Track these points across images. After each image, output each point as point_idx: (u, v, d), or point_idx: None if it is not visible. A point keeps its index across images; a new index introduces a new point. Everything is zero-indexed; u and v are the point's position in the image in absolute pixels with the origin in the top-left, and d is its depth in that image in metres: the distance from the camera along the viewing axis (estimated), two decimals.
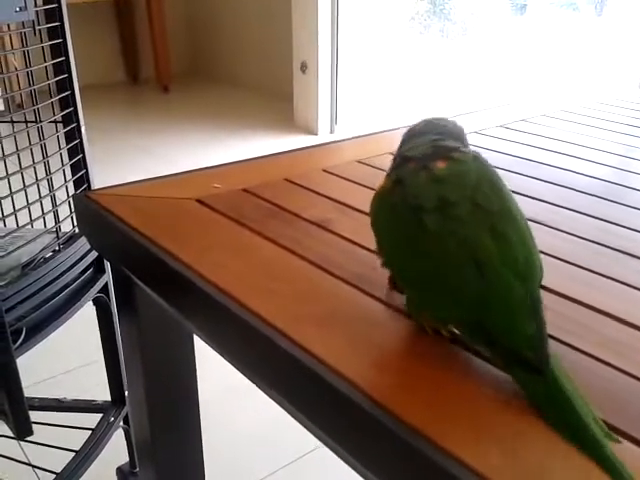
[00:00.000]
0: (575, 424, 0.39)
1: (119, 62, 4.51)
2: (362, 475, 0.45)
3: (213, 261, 0.59)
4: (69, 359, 1.63)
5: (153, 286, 0.66)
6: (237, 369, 0.56)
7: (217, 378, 1.35)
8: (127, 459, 1.27)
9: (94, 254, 1.06)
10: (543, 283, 0.48)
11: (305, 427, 0.49)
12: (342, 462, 0.46)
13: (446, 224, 0.45)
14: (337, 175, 0.83)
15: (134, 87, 4.52)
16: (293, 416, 0.50)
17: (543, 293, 0.46)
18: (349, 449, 0.44)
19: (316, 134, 3.46)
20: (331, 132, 3.51)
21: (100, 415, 1.20)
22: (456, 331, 0.48)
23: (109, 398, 1.21)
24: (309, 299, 0.54)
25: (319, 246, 0.63)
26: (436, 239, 0.45)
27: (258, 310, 0.51)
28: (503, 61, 4.30)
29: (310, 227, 0.67)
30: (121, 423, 1.22)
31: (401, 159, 0.51)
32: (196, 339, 0.64)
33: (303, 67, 3.46)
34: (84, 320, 1.13)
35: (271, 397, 0.52)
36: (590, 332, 0.51)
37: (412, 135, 0.53)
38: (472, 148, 0.51)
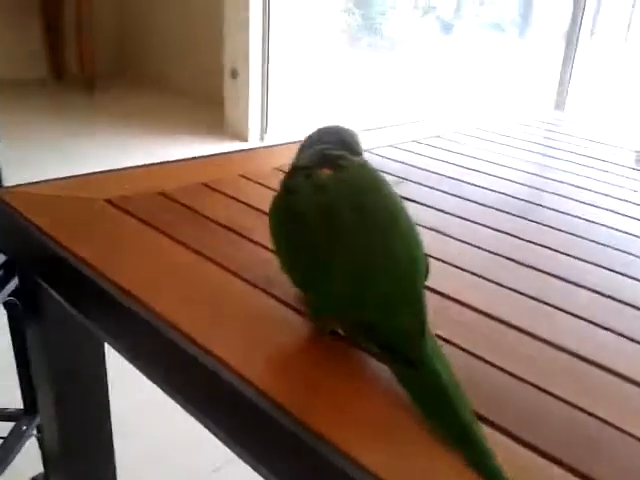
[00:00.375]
0: (449, 417, 0.42)
1: (42, 57, 4.31)
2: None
3: (120, 263, 0.59)
4: None
5: (59, 289, 0.66)
6: (143, 374, 0.56)
7: (134, 392, 1.33)
8: (42, 469, 1.23)
9: (3, 256, 1.03)
10: (439, 288, 0.50)
11: (216, 436, 0.49)
12: (257, 475, 0.47)
13: (327, 230, 0.48)
14: (254, 181, 0.84)
15: (57, 85, 4.37)
16: (203, 424, 0.50)
17: (435, 296, 0.49)
18: (249, 452, 0.45)
19: (246, 141, 3.46)
20: (261, 139, 3.52)
21: (12, 424, 1.16)
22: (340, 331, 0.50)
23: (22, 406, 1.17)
24: (216, 302, 0.55)
25: (231, 250, 0.64)
26: (316, 244, 0.48)
27: (163, 313, 0.52)
28: (427, 77, 4.43)
29: (223, 232, 0.68)
30: (34, 432, 1.18)
31: (292, 168, 0.52)
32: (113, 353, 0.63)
33: (234, 73, 3.46)
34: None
35: (177, 402, 0.52)
36: (473, 333, 0.54)
37: (306, 144, 0.55)
38: (364, 156, 0.53)
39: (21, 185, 0.75)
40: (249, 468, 0.46)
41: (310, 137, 0.56)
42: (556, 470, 0.40)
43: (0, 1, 3.73)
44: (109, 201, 0.73)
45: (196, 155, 0.93)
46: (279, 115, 3.54)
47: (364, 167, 0.51)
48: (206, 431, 0.49)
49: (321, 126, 0.56)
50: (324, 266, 0.47)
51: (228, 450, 0.47)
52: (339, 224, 0.47)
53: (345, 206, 0.48)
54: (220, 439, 0.48)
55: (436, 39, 4.80)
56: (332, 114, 3.70)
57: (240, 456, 0.46)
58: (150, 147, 3.23)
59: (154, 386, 0.54)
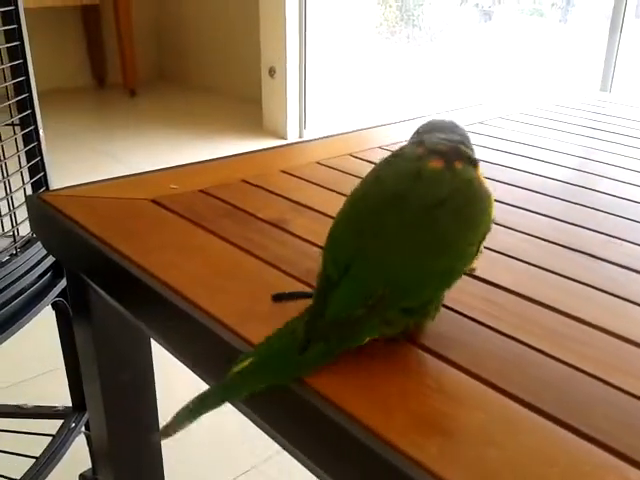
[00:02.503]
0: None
1: (86, 66, 4.46)
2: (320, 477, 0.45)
3: (165, 261, 0.59)
4: (32, 366, 1.61)
5: (106, 288, 0.66)
6: (190, 369, 0.56)
7: (182, 388, 1.35)
8: (90, 465, 1.26)
9: (52, 258, 1.05)
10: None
11: (263, 430, 0.49)
12: (300, 467, 0.46)
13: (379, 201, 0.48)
14: (295, 176, 0.84)
15: (100, 91, 4.48)
16: (249, 417, 0.50)
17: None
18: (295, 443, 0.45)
19: (285, 138, 3.47)
20: (300, 136, 3.52)
21: (61, 421, 1.18)
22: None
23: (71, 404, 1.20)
24: (260, 297, 0.54)
25: (273, 245, 0.64)
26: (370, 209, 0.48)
27: (209, 309, 0.52)
28: (468, 67, 4.36)
29: (265, 226, 0.68)
30: (83, 429, 1.21)
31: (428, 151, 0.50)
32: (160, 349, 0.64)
33: (271, 72, 3.47)
34: (49, 326, 1.12)
35: None
36: (534, 325, 0.53)
37: (423, 131, 0.54)
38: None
39: (66, 187, 0.76)
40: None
41: (430, 125, 0.54)
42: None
43: (43, 16, 3.83)
44: (153, 200, 0.73)
45: (236, 153, 0.93)
46: (318, 112, 3.53)
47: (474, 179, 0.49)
48: (251, 425, 0.49)
49: (435, 118, 0.55)
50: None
51: (274, 444, 0.47)
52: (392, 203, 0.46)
53: (417, 196, 0.46)
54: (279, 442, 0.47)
55: (476, 27, 4.72)
56: (371, 109, 3.68)
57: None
58: (192, 147, 3.27)
59: (200, 382, 0.54)
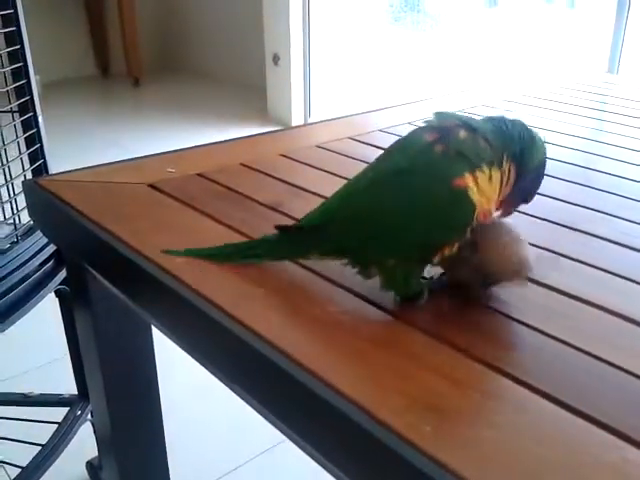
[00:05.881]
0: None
1: (89, 56, 4.44)
2: (323, 466, 0.45)
3: (161, 245, 0.58)
4: (39, 354, 1.61)
5: (104, 273, 0.66)
6: (188, 353, 0.55)
7: (184, 376, 1.35)
8: (97, 453, 1.26)
9: (55, 245, 1.05)
10: None
11: (264, 417, 0.49)
12: (305, 456, 0.46)
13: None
14: (294, 159, 0.83)
15: (104, 81, 4.46)
16: (247, 402, 0.49)
17: None
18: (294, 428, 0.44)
19: (290, 125, 3.45)
20: (304, 123, 3.50)
21: (67, 409, 1.18)
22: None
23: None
24: (256, 279, 0.54)
25: (268, 227, 0.63)
26: None
27: (205, 292, 0.51)
28: (473, 52, 4.32)
29: (261, 209, 0.67)
30: (89, 416, 1.21)
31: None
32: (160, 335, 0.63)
33: (275, 59, 3.45)
34: (56, 314, 1.12)
35: (222, 381, 0.51)
36: (528, 303, 0.52)
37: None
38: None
39: (64, 173, 0.76)
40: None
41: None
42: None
43: (46, 6, 3.82)
44: (151, 185, 0.73)
45: (235, 137, 0.92)
46: (322, 98, 3.51)
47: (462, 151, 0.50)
48: (254, 413, 0.48)
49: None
50: None
51: (279, 433, 0.47)
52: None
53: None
54: (278, 427, 0.47)
55: (481, 13, 4.67)
56: (376, 95, 3.66)
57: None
58: (196, 135, 3.26)
59: (201, 367, 0.54)
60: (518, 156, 0.52)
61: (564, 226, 0.67)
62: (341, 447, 0.41)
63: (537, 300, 0.53)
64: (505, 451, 0.36)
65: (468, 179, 0.49)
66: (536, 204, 0.71)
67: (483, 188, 0.49)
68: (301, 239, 0.54)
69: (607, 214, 0.70)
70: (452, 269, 0.53)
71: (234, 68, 4.21)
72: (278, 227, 0.55)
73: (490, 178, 0.50)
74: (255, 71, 3.76)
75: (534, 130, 0.54)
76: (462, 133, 0.51)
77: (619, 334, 0.49)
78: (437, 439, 0.36)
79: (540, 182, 0.56)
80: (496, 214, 0.54)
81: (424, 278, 0.54)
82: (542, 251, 0.61)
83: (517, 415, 0.39)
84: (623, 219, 0.69)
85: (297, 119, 3.48)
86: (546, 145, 0.55)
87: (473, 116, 0.93)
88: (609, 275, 0.57)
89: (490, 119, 0.54)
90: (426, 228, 0.50)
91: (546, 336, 0.47)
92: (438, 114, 0.55)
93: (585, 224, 0.67)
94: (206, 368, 0.52)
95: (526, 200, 0.57)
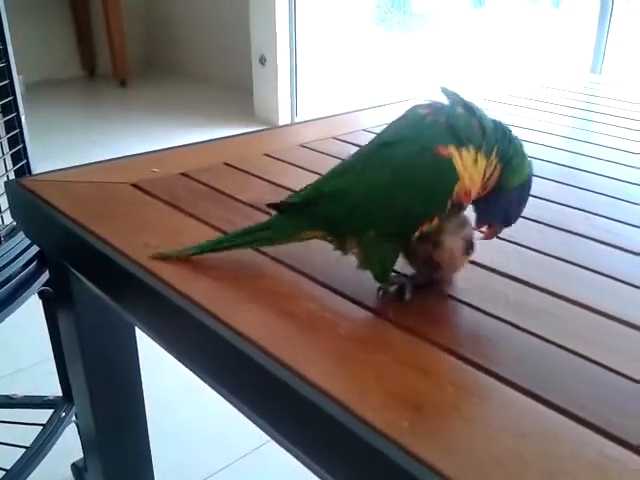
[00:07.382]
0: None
1: (75, 57, 4.42)
2: (305, 465, 0.45)
3: (144, 245, 0.58)
4: (24, 356, 1.60)
5: (87, 274, 0.66)
6: (171, 354, 0.55)
7: (169, 377, 1.34)
8: (82, 455, 1.25)
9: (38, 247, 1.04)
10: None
11: (245, 415, 0.49)
12: (290, 457, 0.46)
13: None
14: (278, 159, 0.83)
15: (91, 82, 4.44)
16: (229, 401, 0.49)
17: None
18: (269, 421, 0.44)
19: (277, 126, 3.45)
20: (290, 123, 3.50)
21: (52, 411, 1.18)
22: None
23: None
24: (241, 279, 0.54)
25: None
26: None
27: (187, 292, 0.51)
28: (459, 52, 4.33)
29: (245, 209, 0.67)
30: (74, 418, 1.20)
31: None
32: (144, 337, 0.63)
33: (262, 59, 3.45)
34: (40, 316, 1.11)
35: (205, 381, 0.51)
36: (499, 296, 0.52)
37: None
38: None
39: (45, 173, 0.75)
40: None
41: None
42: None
43: (32, 6, 3.80)
44: (133, 184, 0.72)
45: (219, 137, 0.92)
46: (309, 99, 3.52)
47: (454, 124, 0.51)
48: (239, 414, 0.48)
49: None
50: None
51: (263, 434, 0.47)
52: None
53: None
54: (263, 428, 0.47)
55: (467, 14, 4.69)
56: (362, 95, 3.66)
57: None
58: (183, 136, 3.24)
59: (186, 370, 0.54)
60: (507, 159, 0.51)
61: (548, 225, 0.68)
62: (322, 444, 0.41)
63: (515, 297, 0.53)
64: (481, 445, 0.36)
65: (453, 150, 0.49)
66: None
67: (467, 165, 0.49)
68: (292, 216, 0.55)
69: (589, 212, 0.71)
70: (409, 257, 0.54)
71: (221, 69, 4.20)
72: (270, 205, 0.56)
73: (476, 161, 0.49)
74: (242, 72, 3.76)
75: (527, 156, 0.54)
76: (459, 110, 0.52)
77: (597, 330, 0.49)
78: (414, 434, 0.36)
79: (523, 205, 0.55)
80: (478, 236, 0.54)
81: (405, 276, 0.54)
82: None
83: (494, 409, 0.40)
84: (604, 217, 0.70)
85: (284, 119, 3.48)
86: (532, 172, 0.54)
87: None
88: (589, 272, 0.58)
89: (494, 119, 0.54)
90: (409, 197, 0.49)
91: (525, 332, 0.48)
92: (444, 90, 0.55)
93: (567, 222, 0.68)
94: (188, 368, 0.52)
95: (508, 222, 0.55)
